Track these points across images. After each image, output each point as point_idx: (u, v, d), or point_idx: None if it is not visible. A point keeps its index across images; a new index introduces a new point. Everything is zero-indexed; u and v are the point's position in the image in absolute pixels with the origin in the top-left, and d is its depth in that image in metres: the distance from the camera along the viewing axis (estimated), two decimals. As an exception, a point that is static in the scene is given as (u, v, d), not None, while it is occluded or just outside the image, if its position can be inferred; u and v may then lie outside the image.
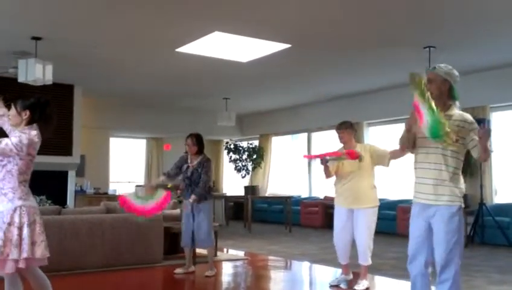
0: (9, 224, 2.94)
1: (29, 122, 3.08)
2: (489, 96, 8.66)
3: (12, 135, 3.06)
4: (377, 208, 4.94)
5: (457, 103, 3.31)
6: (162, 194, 4.94)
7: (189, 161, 5.60)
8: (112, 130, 12.51)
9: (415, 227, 3.28)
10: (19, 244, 2.94)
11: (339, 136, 4.99)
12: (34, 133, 3.04)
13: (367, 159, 4.83)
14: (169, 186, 5.63)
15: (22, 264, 2.95)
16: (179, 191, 5.97)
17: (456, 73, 3.29)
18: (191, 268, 5.71)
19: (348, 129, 4.97)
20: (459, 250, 3.15)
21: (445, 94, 3.25)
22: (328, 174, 4.99)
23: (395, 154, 4.67)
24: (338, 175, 4.99)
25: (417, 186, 3.29)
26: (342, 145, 5.02)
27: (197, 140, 5.57)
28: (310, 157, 5.11)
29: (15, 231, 2.94)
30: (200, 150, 5.58)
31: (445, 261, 3.14)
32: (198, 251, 6.11)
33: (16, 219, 2.96)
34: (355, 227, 4.88)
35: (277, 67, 8.52)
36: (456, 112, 3.25)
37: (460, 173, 3.25)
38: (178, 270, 5.67)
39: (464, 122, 3.20)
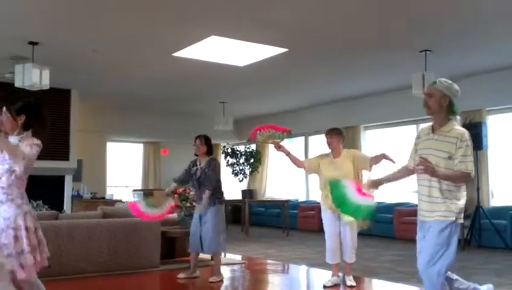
0: (27, 229, 2.95)
1: (25, 127, 3.05)
2: (485, 99, 8.70)
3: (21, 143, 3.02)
4: None
5: (458, 117, 3.33)
6: (170, 202, 5.27)
7: (198, 164, 5.61)
8: (109, 134, 12.50)
9: (418, 244, 3.34)
10: (38, 247, 2.98)
11: (328, 141, 5.23)
12: (36, 140, 3.03)
13: (348, 164, 5.05)
14: (166, 190, 5.65)
15: (45, 263, 3.02)
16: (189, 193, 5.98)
17: (456, 87, 3.29)
18: (196, 273, 5.63)
19: (337, 136, 5.23)
20: (445, 263, 3.14)
21: (445, 109, 3.26)
22: (295, 163, 5.35)
23: (377, 160, 4.94)
24: (322, 179, 5.21)
25: (418, 202, 3.36)
26: (329, 150, 5.24)
27: (206, 141, 5.62)
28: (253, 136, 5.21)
29: (32, 235, 2.97)
30: (208, 151, 5.62)
31: (430, 273, 3.15)
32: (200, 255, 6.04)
33: (30, 224, 2.97)
34: (342, 229, 5.11)
35: (274, 71, 8.54)
36: (454, 127, 3.25)
37: (461, 188, 3.22)
38: (181, 275, 5.61)
39: (455, 138, 3.19)
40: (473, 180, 3.22)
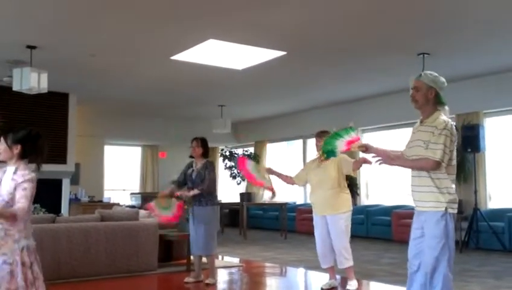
0: (23, 265, 2.93)
1: (21, 156, 3.02)
2: (482, 102, 8.72)
3: (15, 179, 2.98)
4: (349, 213, 5.09)
5: (446, 108, 3.35)
6: (175, 203, 5.41)
7: (194, 165, 5.63)
8: (107, 137, 12.49)
9: (411, 231, 3.36)
10: (34, 283, 2.94)
11: (316, 144, 5.21)
12: (32, 174, 2.96)
13: (334, 168, 5.02)
14: (178, 194, 5.66)
15: None
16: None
17: (442, 79, 3.34)
18: (201, 277, 5.60)
19: None
20: (447, 255, 3.17)
21: (431, 101, 3.31)
22: (287, 182, 5.32)
23: (357, 164, 5.02)
24: (310, 184, 5.25)
25: (411, 193, 3.38)
26: (317, 152, 5.23)
27: (202, 143, 5.63)
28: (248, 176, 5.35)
29: (28, 271, 2.93)
30: (204, 153, 5.63)
31: (433, 266, 3.17)
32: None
33: (26, 259, 2.94)
34: (330, 233, 5.06)
35: (272, 75, 8.55)
36: (439, 117, 3.26)
37: (449, 178, 3.25)
38: (188, 279, 5.58)
39: (434, 127, 3.22)
40: (439, 168, 3.20)
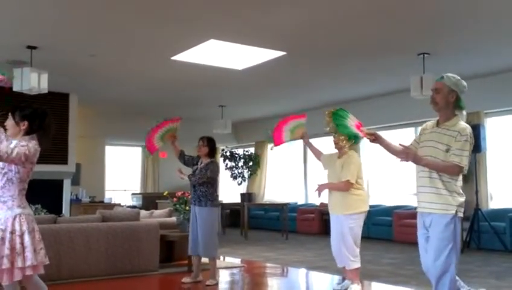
0: (11, 232, 2.94)
1: (27, 133, 3.08)
2: (483, 102, 8.70)
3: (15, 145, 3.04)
4: (361, 214, 4.98)
5: (464, 112, 3.32)
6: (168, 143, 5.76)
7: (199, 163, 5.64)
8: (108, 138, 12.49)
9: (419, 237, 3.34)
10: (22, 252, 2.94)
11: (334, 142, 5.09)
12: (34, 142, 3.05)
13: (340, 168, 4.99)
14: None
15: (29, 272, 2.96)
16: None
17: (464, 83, 3.29)
18: (199, 277, 5.60)
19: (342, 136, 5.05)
20: (454, 257, 3.16)
21: (451, 105, 3.27)
22: (314, 153, 5.39)
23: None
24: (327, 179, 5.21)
25: (417, 195, 3.35)
26: (336, 150, 5.15)
27: (208, 142, 5.65)
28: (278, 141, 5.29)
29: (17, 239, 2.95)
30: (210, 153, 5.64)
31: (441, 269, 3.15)
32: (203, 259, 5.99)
33: (17, 227, 2.96)
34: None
35: (273, 75, 8.55)
36: (458, 122, 3.25)
37: (457, 182, 3.24)
38: (186, 279, 5.57)
39: (456, 132, 3.21)
40: (462, 174, 3.22)
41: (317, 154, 5.38)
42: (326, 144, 5.85)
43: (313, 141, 5.50)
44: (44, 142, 3.13)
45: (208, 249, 5.46)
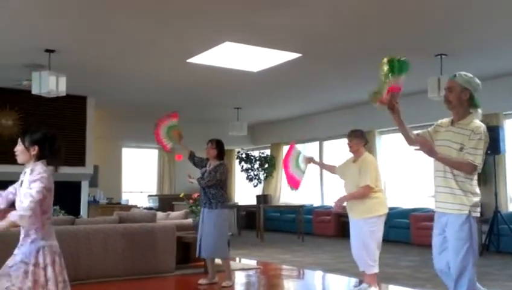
0: (35, 265, 2.94)
1: (38, 158, 3.00)
2: (502, 103, 8.59)
3: (29, 180, 2.99)
4: (380, 217, 4.94)
5: (479, 111, 3.27)
6: (178, 142, 5.88)
7: (208, 165, 5.66)
8: (125, 140, 12.60)
9: (433, 237, 3.32)
10: (45, 285, 2.94)
11: (348, 145, 5.07)
12: (44, 174, 2.94)
13: (356, 172, 4.92)
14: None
15: None
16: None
17: (477, 81, 3.25)
18: (215, 279, 5.61)
19: (357, 139, 5.03)
20: (471, 258, 3.13)
21: (465, 103, 3.24)
22: (330, 170, 5.40)
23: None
24: (344, 186, 5.16)
25: (434, 194, 3.33)
26: (351, 154, 5.10)
27: (217, 144, 5.66)
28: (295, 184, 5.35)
29: (41, 272, 2.93)
30: (219, 155, 5.64)
31: (459, 269, 3.12)
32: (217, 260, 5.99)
33: (40, 260, 2.94)
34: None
35: (288, 77, 8.54)
36: (473, 120, 3.22)
37: (473, 181, 3.21)
38: (202, 281, 5.59)
39: (470, 131, 3.18)
40: (478, 174, 3.20)
41: (331, 169, 5.34)
42: (341, 146, 5.80)
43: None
44: (56, 166, 3.08)
45: (219, 250, 5.48)
